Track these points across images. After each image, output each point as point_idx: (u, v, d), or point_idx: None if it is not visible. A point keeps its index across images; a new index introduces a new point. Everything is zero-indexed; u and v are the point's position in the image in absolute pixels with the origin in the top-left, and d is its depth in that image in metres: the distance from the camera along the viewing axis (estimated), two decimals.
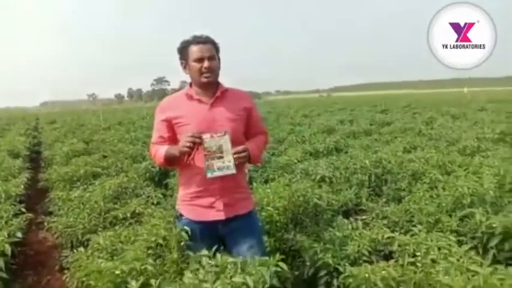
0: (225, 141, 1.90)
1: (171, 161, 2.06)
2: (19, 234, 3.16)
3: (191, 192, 2.09)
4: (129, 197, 4.22)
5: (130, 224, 3.46)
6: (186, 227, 2.10)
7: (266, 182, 4.45)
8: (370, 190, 4.23)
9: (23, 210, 3.69)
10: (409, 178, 4.37)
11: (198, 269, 1.76)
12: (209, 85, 2.07)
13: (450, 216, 3.09)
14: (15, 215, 3.58)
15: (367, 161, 4.51)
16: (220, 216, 2.05)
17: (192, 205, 2.10)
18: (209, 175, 1.91)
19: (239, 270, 1.69)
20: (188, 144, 1.87)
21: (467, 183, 3.22)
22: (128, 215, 3.67)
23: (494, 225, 2.61)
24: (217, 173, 1.91)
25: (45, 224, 4.09)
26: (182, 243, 2.06)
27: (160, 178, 5.38)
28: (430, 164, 4.61)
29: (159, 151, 2.08)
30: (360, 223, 2.83)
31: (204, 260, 1.79)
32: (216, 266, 1.74)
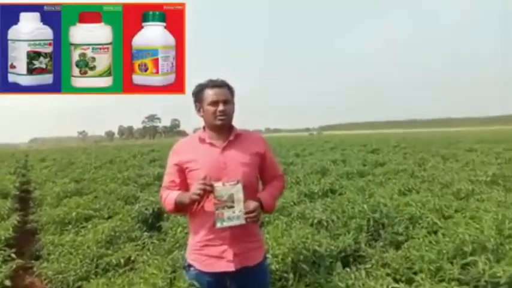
0: (237, 191, 1.84)
1: (180, 208, 2.01)
2: (8, 283, 3.04)
3: (201, 240, 2.03)
4: (123, 242, 4.12)
5: (125, 271, 3.36)
6: (194, 281, 2.04)
7: (262, 224, 4.39)
8: (369, 235, 4.19)
9: (13, 256, 3.56)
10: (406, 222, 4.35)
11: None
12: (223, 128, 2.04)
13: (451, 263, 3.06)
14: (5, 261, 3.46)
15: (365, 206, 4.49)
16: (230, 267, 1.98)
17: (201, 254, 2.04)
18: (218, 225, 1.85)
19: None
20: (198, 191, 1.83)
21: (468, 230, 3.20)
22: (122, 261, 3.56)
23: (498, 274, 2.58)
24: (227, 223, 1.85)
25: (35, 269, 3.95)
26: None
27: (153, 221, 5.28)
28: (427, 208, 4.60)
29: (169, 196, 2.02)
30: (363, 273, 2.78)
31: None
32: None
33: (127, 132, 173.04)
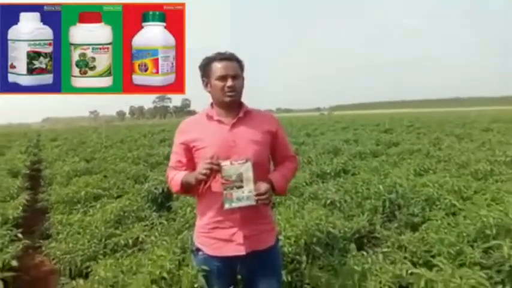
0: (246, 169, 1.72)
1: (187, 188, 1.89)
2: (14, 263, 2.99)
3: (209, 222, 1.91)
4: (131, 222, 4.05)
5: (133, 252, 3.28)
6: (202, 266, 1.94)
7: (273, 205, 4.28)
8: (384, 216, 4.06)
9: (20, 236, 3.51)
10: (422, 203, 4.20)
11: None
12: (232, 105, 1.90)
13: (472, 247, 2.92)
14: (12, 241, 3.41)
15: (381, 186, 4.34)
16: (240, 251, 1.86)
17: (209, 237, 1.92)
18: (227, 206, 1.73)
19: None
20: (205, 171, 1.71)
21: (492, 212, 3.04)
22: (130, 241, 3.49)
23: None
24: (236, 204, 1.73)
25: (43, 248, 3.92)
26: (196, 286, 1.88)
27: (163, 200, 5.20)
28: (445, 188, 4.43)
29: (176, 177, 1.91)
30: (380, 256, 2.65)
31: None
32: None
33: (138, 112, 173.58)
